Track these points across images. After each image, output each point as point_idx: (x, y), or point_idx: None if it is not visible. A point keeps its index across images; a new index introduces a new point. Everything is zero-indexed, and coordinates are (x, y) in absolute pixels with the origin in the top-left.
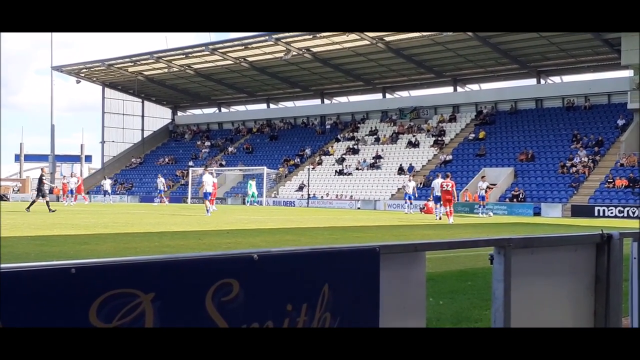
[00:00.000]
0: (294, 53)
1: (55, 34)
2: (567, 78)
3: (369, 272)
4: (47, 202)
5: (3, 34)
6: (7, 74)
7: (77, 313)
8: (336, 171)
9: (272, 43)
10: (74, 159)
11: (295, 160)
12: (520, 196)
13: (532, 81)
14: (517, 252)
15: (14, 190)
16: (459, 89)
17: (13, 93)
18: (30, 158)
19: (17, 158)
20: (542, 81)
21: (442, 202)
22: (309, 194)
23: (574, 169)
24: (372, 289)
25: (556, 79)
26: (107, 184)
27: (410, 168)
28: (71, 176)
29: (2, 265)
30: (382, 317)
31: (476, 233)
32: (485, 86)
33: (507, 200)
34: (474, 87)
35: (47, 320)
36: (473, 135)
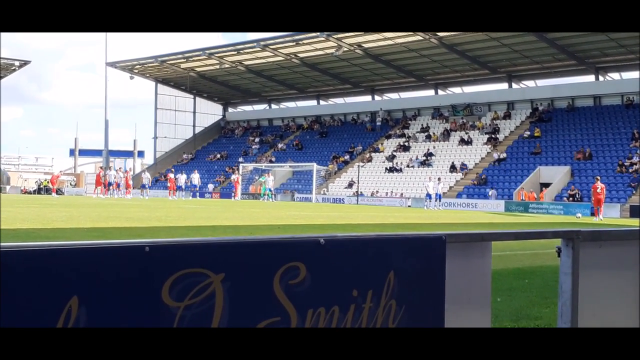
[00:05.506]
0: (345, 49)
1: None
2: (627, 75)
3: (435, 261)
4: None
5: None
6: (59, 72)
7: (150, 290)
8: (386, 168)
9: (324, 39)
10: (127, 154)
11: (345, 157)
12: (577, 196)
13: (590, 78)
14: (586, 244)
15: (71, 184)
16: (514, 85)
17: (66, 88)
18: (84, 153)
19: (72, 153)
20: (601, 78)
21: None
22: (358, 191)
23: (633, 168)
24: (438, 278)
25: (615, 75)
26: (145, 177)
27: (463, 166)
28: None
29: (80, 242)
30: (447, 306)
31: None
32: (542, 83)
33: (565, 199)
34: (530, 83)
35: (121, 297)
36: (528, 132)
